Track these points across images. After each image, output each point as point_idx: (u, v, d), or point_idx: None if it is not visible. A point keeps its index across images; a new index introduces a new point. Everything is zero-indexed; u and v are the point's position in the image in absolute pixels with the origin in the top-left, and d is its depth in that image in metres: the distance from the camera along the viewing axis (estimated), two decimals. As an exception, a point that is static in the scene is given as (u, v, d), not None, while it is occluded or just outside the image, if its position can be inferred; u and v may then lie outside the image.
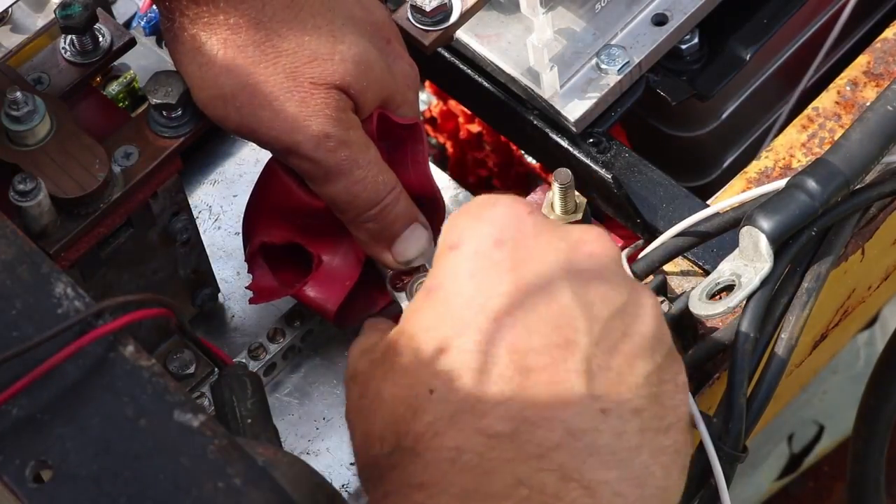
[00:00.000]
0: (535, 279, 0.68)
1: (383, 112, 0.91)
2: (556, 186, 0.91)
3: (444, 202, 0.96)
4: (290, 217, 0.94)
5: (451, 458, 0.66)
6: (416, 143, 0.93)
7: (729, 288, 0.85)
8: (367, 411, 0.70)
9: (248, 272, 0.96)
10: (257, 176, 0.95)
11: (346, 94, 0.88)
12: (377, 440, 0.69)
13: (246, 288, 0.97)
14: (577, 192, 0.92)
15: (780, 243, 0.84)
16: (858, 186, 0.90)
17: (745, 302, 0.83)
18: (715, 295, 0.85)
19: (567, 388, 0.67)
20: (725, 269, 0.85)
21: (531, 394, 0.66)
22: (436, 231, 0.96)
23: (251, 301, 0.96)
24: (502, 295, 0.68)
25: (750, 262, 0.85)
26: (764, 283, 0.84)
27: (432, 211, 0.95)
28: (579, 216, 0.93)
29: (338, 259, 0.94)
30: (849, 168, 0.85)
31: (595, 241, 0.71)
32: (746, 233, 0.84)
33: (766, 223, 0.84)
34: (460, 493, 0.65)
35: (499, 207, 0.71)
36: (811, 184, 0.84)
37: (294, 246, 0.95)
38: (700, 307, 0.85)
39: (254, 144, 1.10)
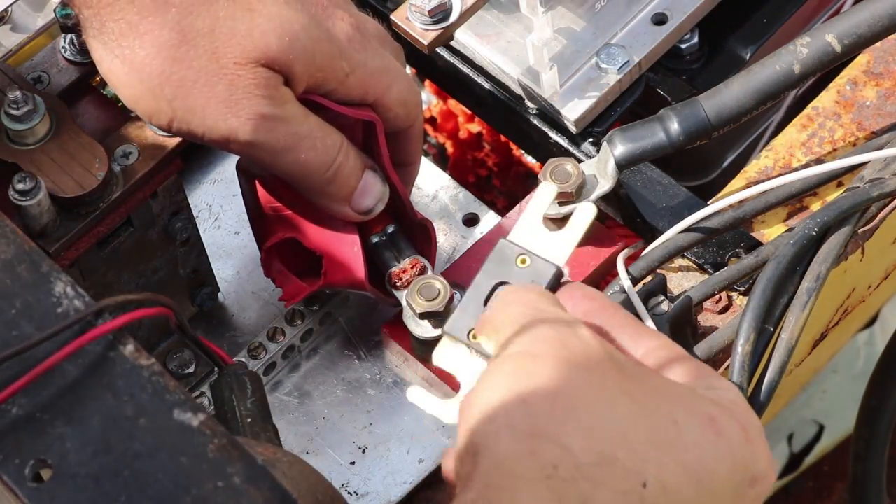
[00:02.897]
0: None
1: (318, 99, 0.89)
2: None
3: (406, 195, 0.95)
4: (280, 212, 0.94)
5: None
6: (371, 140, 0.92)
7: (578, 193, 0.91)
8: None
9: (276, 286, 0.96)
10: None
11: (272, 69, 0.85)
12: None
13: (279, 300, 0.97)
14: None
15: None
16: (859, 185, 0.90)
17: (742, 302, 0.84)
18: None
19: None
20: (584, 170, 0.91)
21: None
22: (407, 226, 0.96)
23: (286, 305, 0.97)
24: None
25: (601, 175, 0.91)
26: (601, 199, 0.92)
27: (399, 206, 0.94)
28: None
29: (334, 234, 0.93)
30: (716, 118, 0.89)
31: None
32: (605, 148, 0.90)
33: (618, 148, 0.90)
34: None
35: (772, 465, 0.73)
36: (674, 126, 0.89)
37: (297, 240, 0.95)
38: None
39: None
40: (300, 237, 0.94)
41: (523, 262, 0.79)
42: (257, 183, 0.93)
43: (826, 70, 0.91)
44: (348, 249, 0.93)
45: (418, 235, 0.96)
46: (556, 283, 0.78)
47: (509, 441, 0.68)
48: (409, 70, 1.20)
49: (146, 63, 0.84)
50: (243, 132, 0.85)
